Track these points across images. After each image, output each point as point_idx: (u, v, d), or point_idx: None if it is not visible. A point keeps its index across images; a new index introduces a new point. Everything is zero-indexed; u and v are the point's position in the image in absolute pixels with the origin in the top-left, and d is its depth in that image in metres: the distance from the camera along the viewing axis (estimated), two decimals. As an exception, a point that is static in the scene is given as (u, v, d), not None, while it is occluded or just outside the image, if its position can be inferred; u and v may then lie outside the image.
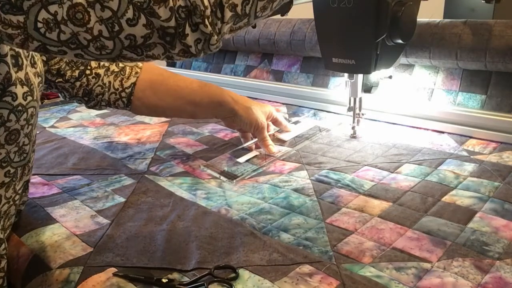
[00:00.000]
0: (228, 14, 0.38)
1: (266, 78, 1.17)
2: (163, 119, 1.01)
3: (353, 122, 0.83)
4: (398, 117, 0.88)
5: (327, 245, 0.50)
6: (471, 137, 0.79)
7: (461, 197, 0.59)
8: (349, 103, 0.82)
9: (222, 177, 0.69)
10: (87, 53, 0.36)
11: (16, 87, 0.49)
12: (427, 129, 0.84)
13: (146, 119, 1.02)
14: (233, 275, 0.45)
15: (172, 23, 0.36)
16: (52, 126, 1.00)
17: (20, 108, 0.50)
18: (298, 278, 0.44)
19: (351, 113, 0.82)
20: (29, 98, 0.51)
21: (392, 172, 0.67)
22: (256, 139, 0.79)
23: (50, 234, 0.55)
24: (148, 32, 0.36)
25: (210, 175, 0.71)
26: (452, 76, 0.86)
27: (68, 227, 0.56)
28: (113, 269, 0.47)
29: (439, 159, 0.71)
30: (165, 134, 0.91)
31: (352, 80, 0.78)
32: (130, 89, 0.74)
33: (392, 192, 0.61)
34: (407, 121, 0.87)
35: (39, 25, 0.34)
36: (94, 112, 1.10)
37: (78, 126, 0.99)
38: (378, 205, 0.58)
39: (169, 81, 0.75)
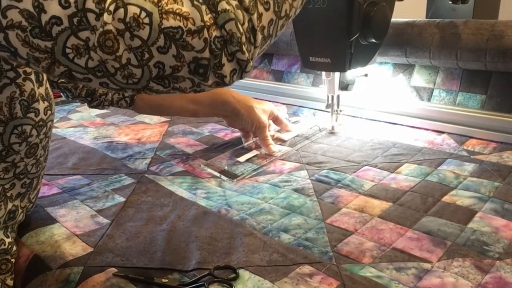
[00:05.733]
0: (259, 37, 0.37)
1: (266, 78, 1.17)
2: (163, 119, 1.01)
3: (335, 120, 0.86)
4: (398, 117, 0.88)
5: (327, 246, 0.50)
6: (471, 137, 0.79)
7: (461, 197, 0.59)
8: (327, 101, 0.84)
9: (222, 176, 0.69)
10: (113, 81, 0.35)
11: (39, 103, 0.50)
12: (427, 129, 0.84)
13: (146, 119, 1.02)
14: (233, 275, 0.45)
15: (206, 54, 0.34)
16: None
17: (41, 123, 0.51)
18: (298, 279, 0.44)
19: (330, 110, 0.85)
20: (49, 112, 0.52)
21: (392, 172, 0.67)
22: (256, 138, 0.79)
23: (50, 234, 0.55)
24: (177, 64, 0.34)
25: (210, 174, 0.71)
26: (452, 76, 0.86)
27: (68, 227, 0.56)
28: (113, 270, 0.47)
29: (439, 159, 0.71)
30: (165, 134, 0.91)
31: (329, 78, 0.80)
32: None
33: (392, 192, 0.61)
34: (407, 121, 0.87)
35: (68, 50, 0.33)
36: (94, 112, 1.10)
37: (78, 126, 0.99)
38: (378, 205, 0.58)
39: None
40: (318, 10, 0.70)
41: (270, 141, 0.77)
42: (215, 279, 0.45)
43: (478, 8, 0.97)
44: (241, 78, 0.39)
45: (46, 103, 0.51)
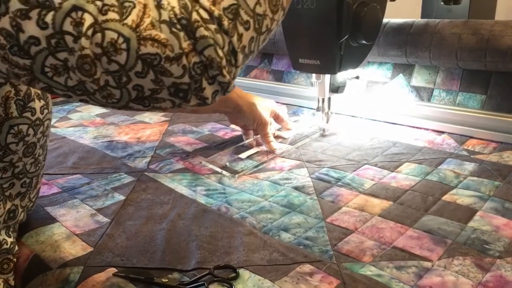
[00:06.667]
0: (240, 57, 0.37)
1: (266, 78, 1.17)
2: (163, 118, 1.01)
3: (326, 123, 0.84)
4: (398, 117, 0.88)
5: (328, 244, 0.50)
6: (471, 137, 0.79)
7: (461, 196, 0.59)
8: (318, 103, 0.82)
9: (223, 172, 0.70)
10: (93, 99, 0.35)
11: (35, 102, 0.50)
12: (427, 129, 0.84)
13: (146, 118, 1.02)
14: (233, 275, 0.45)
15: (186, 79, 0.34)
16: (52, 126, 0.99)
17: (37, 122, 0.50)
18: (299, 278, 0.44)
19: (321, 112, 0.83)
20: (46, 111, 0.52)
21: (392, 171, 0.67)
22: (257, 136, 0.80)
23: (50, 234, 0.55)
24: (156, 87, 0.34)
25: (211, 171, 0.71)
26: (452, 76, 0.86)
27: (68, 226, 0.56)
28: (113, 269, 0.47)
29: (439, 158, 0.71)
30: (165, 133, 0.91)
31: (319, 81, 0.78)
32: None
33: (392, 191, 0.61)
34: (407, 121, 0.87)
35: (47, 69, 0.33)
36: (94, 112, 1.09)
37: (78, 126, 0.99)
38: (379, 204, 0.58)
39: None
40: (306, 10, 0.69)
41: (271, 138, 0.78)
42: (215, 279, 0.45)
43: (473, 9, 0.97)
44: (224, 95, 0.38)
45: (43, 102, 0.51)
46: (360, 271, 0.45)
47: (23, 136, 0.49)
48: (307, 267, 0.46)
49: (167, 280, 0.45)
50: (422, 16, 1.06)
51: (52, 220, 0.58)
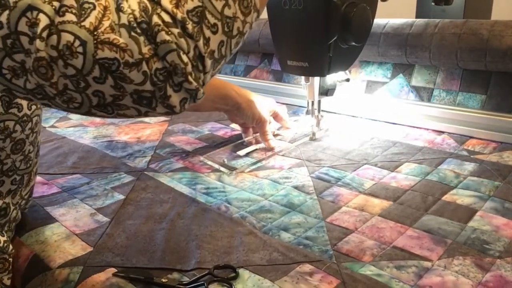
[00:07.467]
0: (208, 63, 0.35)
1: (266, 78, 1.17)
2: (163, 118, 1.01)
3: (316, 126, 0.82)
4: (398, 117, 0.88)
5: (328, 244, 0.50)
6: (471, 137, 0.79)
7: (461, 196, 0.58)
8: (307, 106, 0.81)
9: (222, 168, 0.70)
10: (54, 104, 0.34)
11: None
12: (427, 129, 0.84)
13: (146, 118, 1.02)
14: (233, 274, 0.45)
15: (148, 87, 0.32)
16: (52, 126, 1.00)
17: (25, 118, 0.50)
18: (299, 277, 0.44)
19: (310, 115, 0.82)
20: (34, 107, 0.51)
21: (392, 171, 0.67)
22: (257, 134, 0.80)
23: (49, 234, 0.55)
24: (117, 93, 0.32)
25: (210, 169, 0.71)
26: (452, 76, 0.86)
27: (68, 226, 0.56)
28: (113, 269, 0.47)
29: (439, 158, 0.71)
30: (165, 133, 0.91)
31: (308, 83, 0.77)
32: None
33: (392, 191, 0.61)
34: (407, 120, 0.87)
35: (4, 71, 0.32)
36: (93, 111, 1.09)
37: (78, 126, 0.99)
38: (379, 204, 0.58)
39: None
40: (294, 11, 0.67)
41: (270, 136, 0.78)
42: (215, 279, 0.45)
43: (468, 9, 0.97)
44: (194, 102, 0.37)
45: None
46: (360, 270, 0.45)
47: (10, 132, 0.49)
48: (307, 267, 0.46)
49: (166, 280, 0.45)
50: (417, 17, 1.06)
51: (52, 220, 0.58)
